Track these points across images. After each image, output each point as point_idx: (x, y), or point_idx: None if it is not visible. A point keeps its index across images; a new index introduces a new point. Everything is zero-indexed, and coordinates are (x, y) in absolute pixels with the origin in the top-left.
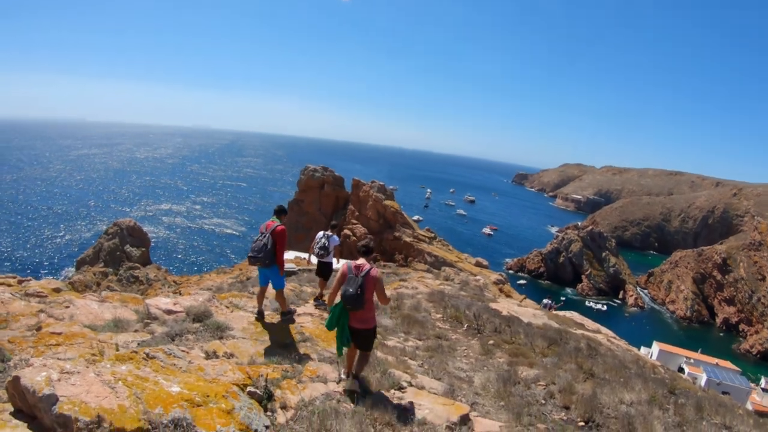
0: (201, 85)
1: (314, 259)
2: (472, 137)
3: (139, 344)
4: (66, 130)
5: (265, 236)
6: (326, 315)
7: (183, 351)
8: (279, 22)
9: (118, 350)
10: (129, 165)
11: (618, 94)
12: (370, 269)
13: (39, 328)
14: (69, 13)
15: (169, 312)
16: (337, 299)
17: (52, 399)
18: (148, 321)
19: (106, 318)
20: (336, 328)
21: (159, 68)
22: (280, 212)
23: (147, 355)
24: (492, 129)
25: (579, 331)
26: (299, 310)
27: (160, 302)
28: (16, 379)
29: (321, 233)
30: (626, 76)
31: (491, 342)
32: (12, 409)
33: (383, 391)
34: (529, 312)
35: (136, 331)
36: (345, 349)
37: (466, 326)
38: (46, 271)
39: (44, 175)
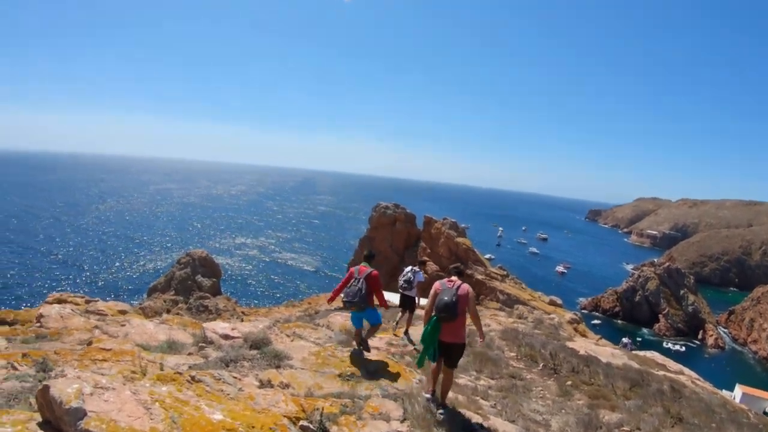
0: (275, 126)
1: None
2: (544, 174)
3: (190, 367)
4: (146, 166)
5: (359, 281)
6: (393, 350)
7: (234, 377)
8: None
9: (162, 370)
10: (206, 200)
11: (690, 122)
12: (461, 284)
13: (90, 343)
14: (150, 51)
15: (226, 337)
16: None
17: (80, 413)
18: (203, 345)
19: (160, 339)
20: (426, 343)
21: (235, 110)
22: (370, 257)
23: (192, 378)
24: (563, 165)
25: (661, 372)
26: (372, 345)
27: (218, 327)
28: (46, 388)
29: (409, 267)
30: (698, 103)
31: (569, 383)
32: (40, 420)
33: None
34: (607, 351)
35: (189, 354)
36: (428, 363)
37: (541, 365)
38: (124, 296)
39: (126, 207)
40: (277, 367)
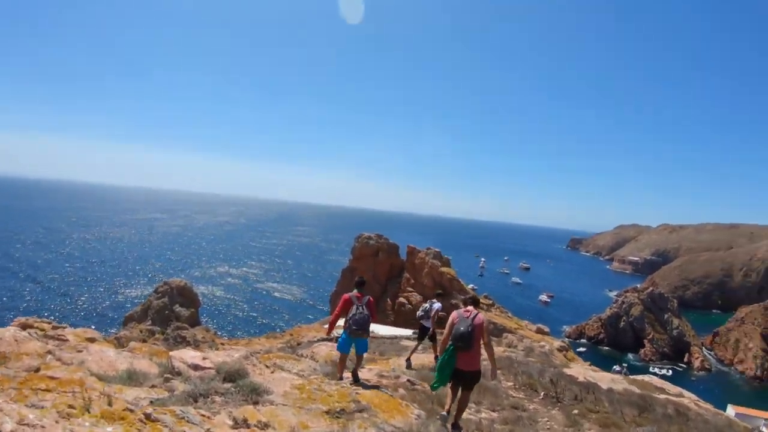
0: (254, 157)
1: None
2: (524, 204)
3: (151, 402)
4: (131, 195)
5: (363, 308)
6: (385, 382)
7: (203, 416)
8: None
9: (110, 405)
10: (189, 230)
11: (668, 147)
12: (477, 314)
13: (38, 370)
14: (133, 82)
15: (196, 367)
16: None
17: None
18: (170, 376)
19: (120, 368)
20: (440, 371)
21: (216, 141)
22: (362, 284)
23: (147, 416)
24: (543, 195)
25: (662, 396)
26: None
27: (187, 355)
28: None
29: (428, 301)
30: (675, 129)
31: (575, 412)
32: None
33: None
34: (606, 377)
35: (153, 386)
36: (442, 388)
37: (542, 394)
38: (106, 323)
39: (109, 235)
40: (255, 403)
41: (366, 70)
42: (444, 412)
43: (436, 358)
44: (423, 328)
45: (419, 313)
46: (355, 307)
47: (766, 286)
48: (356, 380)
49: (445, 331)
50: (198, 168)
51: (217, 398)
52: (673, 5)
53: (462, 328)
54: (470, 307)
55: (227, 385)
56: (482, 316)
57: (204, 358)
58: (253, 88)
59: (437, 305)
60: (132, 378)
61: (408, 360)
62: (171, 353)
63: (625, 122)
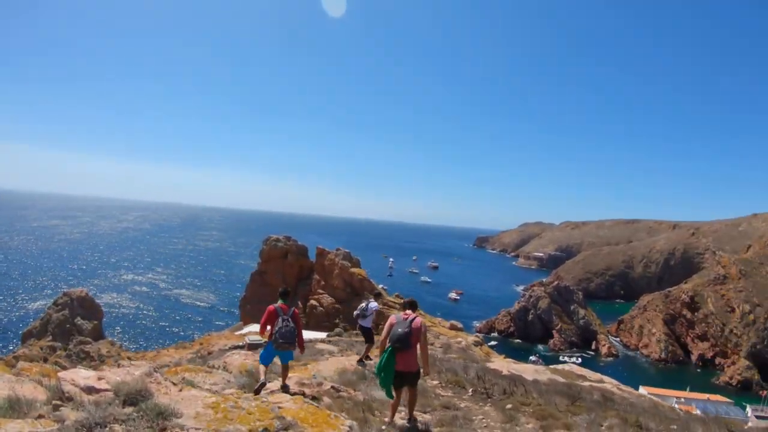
0: (160, 160)
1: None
2: (430, 205)
3: None
4: (25, 201)
5: (289, 320)
6: (308, 391)
7: None
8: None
9: None
10: (90, 237)
11: (567, 147)
12: (416, 317)
13: None
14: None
15: (90, 390)
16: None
17: None
18: (59, 403)
19: (1, 395)
20: (383, 373)
21: (118, 142)
22: (286, 294)
23: None
24: (450, 196)
25: (586, 383)
26: (273, 387)
27: (79, 376)
28: None
29: (365, 301)
30: (574, 129)
31: (509, 406)
32: None
33: None
34: (530, 369)
35: (39, 416)
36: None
37: (471, 391)
38: (7, 342)
39: (5, 244)
40: (162, 429)
41: (276, 74)
42: (387, 419)
43: (360, 361)
44: (364, 329)
45: (356, 312)
46: (281, 319)
47: (665, 276)
48: (286, 392)
49: (383, 333)
50: (98, 171)
51: (117, 427)
52: None
53: (400, 330)
54: (409, 311)
55: (128, 410)
56: (420, 319)
57: (99, 378)
58: (153, 84)
59: (373, 305)
60: (14, 407)
61: (367, 359)
62: (60, 374)
63: (529, 121)
